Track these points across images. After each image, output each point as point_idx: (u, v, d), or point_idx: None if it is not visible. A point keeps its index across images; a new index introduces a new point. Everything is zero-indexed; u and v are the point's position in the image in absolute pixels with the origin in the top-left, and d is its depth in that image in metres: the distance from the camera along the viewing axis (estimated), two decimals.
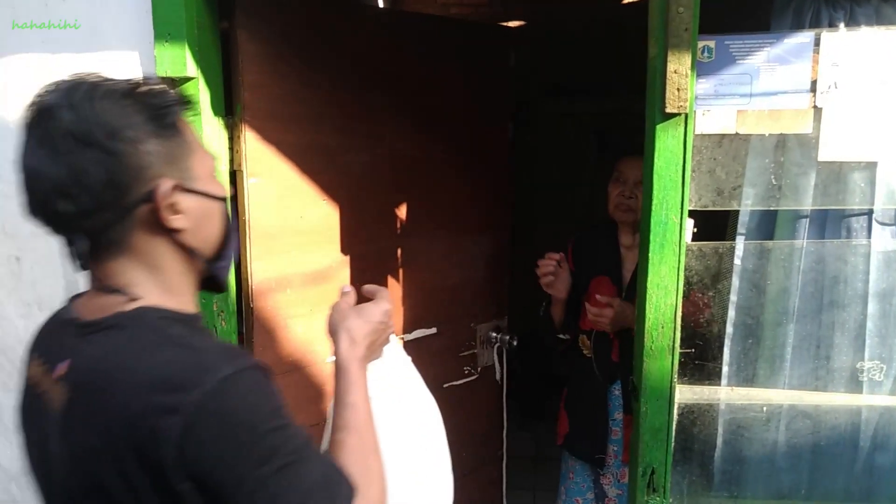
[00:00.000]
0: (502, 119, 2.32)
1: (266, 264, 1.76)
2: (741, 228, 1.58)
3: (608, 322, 1.97)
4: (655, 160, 1.47)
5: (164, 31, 1.50)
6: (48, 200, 0.79)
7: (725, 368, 1.61)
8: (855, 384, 1.57)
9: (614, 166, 2.07)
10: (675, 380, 1.54)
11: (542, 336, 2.29)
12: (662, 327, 1.53)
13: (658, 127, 1.46)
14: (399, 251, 2.12)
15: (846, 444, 1.59)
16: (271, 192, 1.75)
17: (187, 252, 0.86)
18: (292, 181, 1.79)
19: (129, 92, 0.81)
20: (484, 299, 2.33)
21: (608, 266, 2.10)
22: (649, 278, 1.51)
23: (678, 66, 1.41)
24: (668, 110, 1.43)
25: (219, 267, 0.92)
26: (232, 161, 1.71)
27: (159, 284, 0.86)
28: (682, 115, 1.45)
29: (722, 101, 1.47)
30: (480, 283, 2.31)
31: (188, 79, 1.55)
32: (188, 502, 0.74)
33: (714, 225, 1.64)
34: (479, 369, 2.34)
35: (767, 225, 1.60)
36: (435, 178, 2.13)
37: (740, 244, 1.58)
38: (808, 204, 1.51)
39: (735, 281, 1.58)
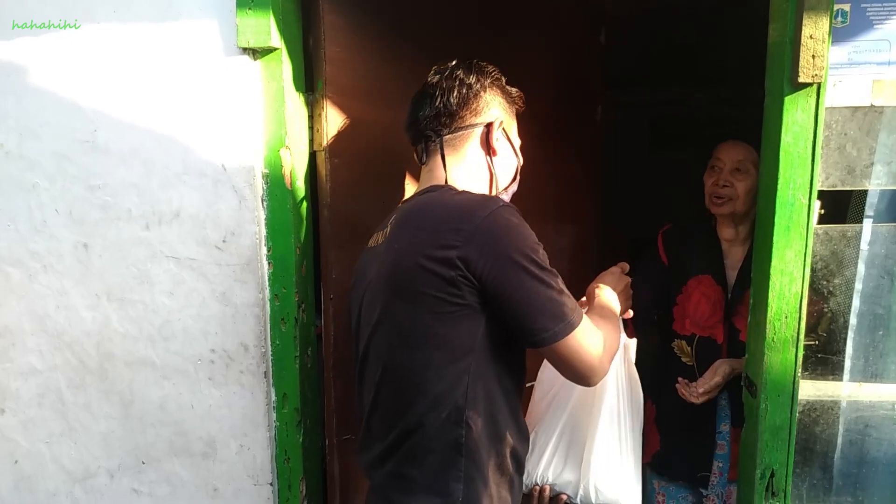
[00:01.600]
0: (592, 100, 2.20)
1: (345, 254, 1.64)
2: (868, 210, 1.46)
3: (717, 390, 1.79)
4: (783, 136, 1.35)
5: None
6: (421, 106, 1.30)
7: (849, 363, 1.49)
8: None
9: (711, 154, 1.90)
10: (799, 374, 1.42)
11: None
12: (786, 317, 1.41)
13: (787, 99, 1.34)
14: None
15: None
16: (353, 174, 1.63)
17: (490, 171, 1.30)
18: (375, 163, 1.68)
19: (495, 73, 1.33)
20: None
21: (710, 263, 1.90)
22: (773, 265, 1.39)
23: (814, 30, 1.29)
24: (800, 79, 1.31)
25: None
26: (312, 141, 1.60)
27: (466, 181, 1.27)
28: (815, 86, 1.33)
29: (856, 69, 1.35)
30: (565, 276, 2.17)
31: (271, 49, 1.45)
32: (462, 289, 1.10)
33: (835, 207, 1.51)
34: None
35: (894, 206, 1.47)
36: (540, 163, 2.00)
37: (868, 227, 1.45)
38: None
39: (861, 268, 1.46)
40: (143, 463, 1.63)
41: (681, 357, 1.91)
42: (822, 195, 1.41)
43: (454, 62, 1.31)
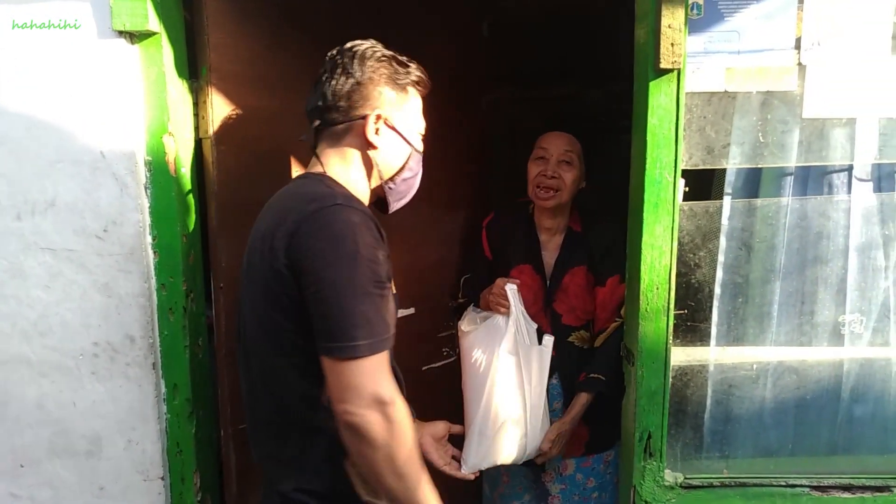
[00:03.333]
0: (475, 93, 2.26)
1: (234, 241, 1.62)
2: (727, 188, 1.59)
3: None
4: (649, 118, 1.45)
5: None
6: (312, 94, 1.30)
7: (714, 329, 1.62)
8: (837, 337, 1.61)
9: (535, 143, 1.91)
10: (671, 341, 1.53)
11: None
12: (657, 288, 1.51)
13: (652, 84, 1.44)
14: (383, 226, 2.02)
15: (829, 397, 1.63)
16: (239, 160, 1.62)
17: (371, 163, 1.27)
18: (262, 151, 1.67)
19: (388, 56, 1.29)
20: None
21: (529, 253, 1.93)
22: (644, 239, 1.49)
23: (672, 20, 1.40)
24: (662, 66, 1.41)
25: (388, 188, 1.31)
26: (197, 129, 1.57)
27: (343, 173, 1.25)
28: (676, 72, 1.44)
29: (711, 58, 1.47)
30: (457, 262, 2.23)
31: (150, 33, 1.42)
32: (286, 281, 1.09)
33: (699, 185, 1.64)
34: (457, 350, 2.26)
35: (752, 183, 1.61)
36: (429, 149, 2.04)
37: (727, 203, 1.58)
38: (792, 161, 1.53)
39: (722, 241, 1.59)
40: (22, 466, 1.55)
41: None
42: (687, 174, 1.53)
43: (337, 50, 1.28)
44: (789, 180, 1.57)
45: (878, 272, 1.59)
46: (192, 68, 1.55)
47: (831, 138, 1.52)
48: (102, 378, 1.52)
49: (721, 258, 1.60)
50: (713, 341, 1.62)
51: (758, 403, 1.64)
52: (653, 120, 1.46)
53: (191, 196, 1.55)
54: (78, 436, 1.54)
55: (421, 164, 1.34)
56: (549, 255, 1.92)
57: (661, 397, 1.55)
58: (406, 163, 1.31)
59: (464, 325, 1.89)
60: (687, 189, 1.52)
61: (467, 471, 1.73)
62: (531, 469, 1.96)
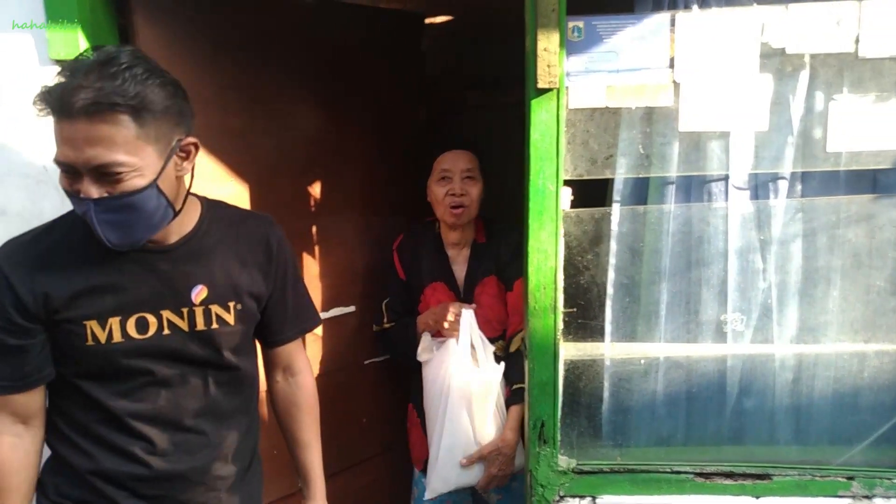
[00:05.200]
0: (412, 102, 2.41)
1: None
2: (616, 196, 1.71)
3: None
4: (532, 133, 1.59)
5: (55, 13, 1.54)
6: None
7: (609, 326, 1.74)
8: (720, 335, 1.72)
9: (433, 165, 2.00)
10: (559, 337, 1.66)
11: (394, 348, 2.18)
12: (544, 288, 1.65)
13: (533, 102, 1.57)
14: (314, 231, 2.18)
15: (714, 390, 1.74)
16: None
17: None
18: (197, 163, 1.84)
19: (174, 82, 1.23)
20: None
21: (440, 270, 2.03)
22: (530, 244, 1.63)
23: (547, 43, 1.53)
24: (539, 86, 1.54)
25: None
26: None
27: None
28: (554, 91, 1.56)
29: (592, 76, 1.60)
30: (375, 288, 2.30)
31: None
32: None
33: (595, 193, 1.76)
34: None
35: (641, 192, 1.73)
36: (347, 160, 2.20)
37: (616, 210, 1.71)
38: (673, 171, 1.65)
39: (613, 245, 1.71)
40: None
41: None
42: (582, 183, 1.66)
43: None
44: (672, 189, 1.69)
45: (757, 274, 1.69)
46: None
47: (708, 150, 1.63)
48: None
49: (612, 261, 1.72)
50: (605, 337, 1.74)
51: (648, 396, 1.76)
52: (535, 135, 1.59)
53: None
54: None
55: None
56: (460, 270, 2.04)
57: (551, 388, 1.69)
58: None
59: (421, 355, 1.99)
60: (573, 197, 1.65)
61: (430, 495, 1.89)
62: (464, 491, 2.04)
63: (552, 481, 1.72)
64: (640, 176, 1.67)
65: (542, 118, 1.58)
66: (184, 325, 1.32)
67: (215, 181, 1.89)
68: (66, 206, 1.64)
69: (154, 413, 1.32)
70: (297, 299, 1.53)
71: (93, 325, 1.25)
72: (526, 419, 1.74)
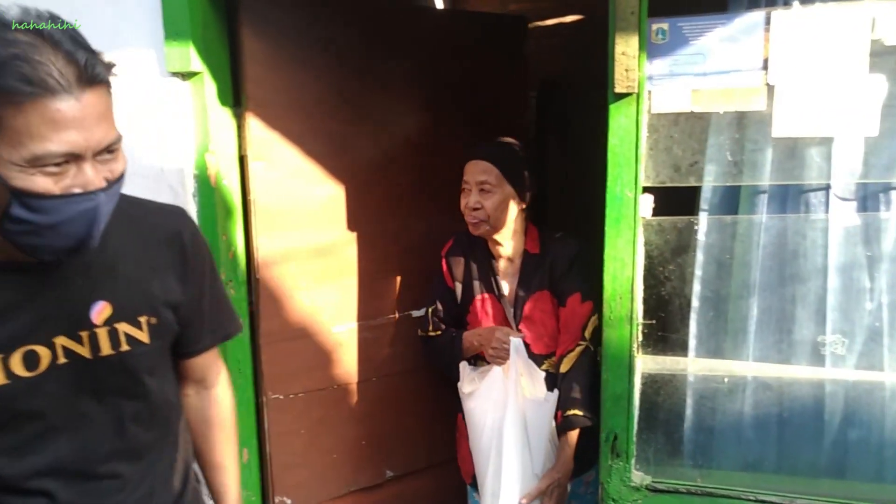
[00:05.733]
0: (518, 106, 2.42)
1: (270, 240, 1.95)
2: (703, 205, 1.63)
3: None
4: (610, 139, 1.55)
5: (172, 31, 1.71)
6: None
7: (692, 341, 1.66)
8: (817, 357, 1.59)
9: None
10: (635, 349, 1.61)
11: (438, 357, 2.08)
12: (620, 298, 1.60)
13: (612, 107, 1.54)
14: (405, 232, 2.24)
15: (810, 417, 1.61)
16: (275, 174, 1.94)
17: None
18: (296, 164, 1.98)
19: None
20: None
21: (487, 283, 1.95)
22: (606, 251, 1.59)
23: (626, 47, 1.48)
24: (617, 90, 1.50)
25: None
26: (240, 147, 1.91)
27: None
28: (634, 95, 1.52)
29: (676, 80, 1.53)
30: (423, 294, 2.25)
31: (194, 73, 1.76)
32: None
33: (682, 201, 1.68)
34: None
35: (731, 201, 1.63)
36: (444, 165, 2.24)
37: (703, 219, 1.62)
38: (765, 179, 1.54)
39: (699, 255, 1.63)
40: None
41: None
42: (669, 191, 1.59)
43: None
44: (764, 198, 1.58)
45: (863, 293, 1.54)
46: (237, 97, 1.89)
47: (806, 157, 1.51)
48: None
49: (698, 272, 1.64)
50: (688, 352, 1.66)
51: (734, 417, 1.66)
52: (613, 140, 1.55)
53: (232, 203, 1.89)
54: None
55: (45, 209, 0.91)
56: (509, 283, 1.94)
57: (625, 401, 1.64)
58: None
59: (464, 387, 1.91)
60: (654, 206, 1.59)
61: None
62: None
63: (624, 496, 1.67)
64: (729, 184, 1.58)
65: (620, 123, 1.54)
66: (85, 351, 1.07)
67: (313, 183, 2.01)
68: (177, 202, 1.83)
69: (55, 465, 1.08)
70: (214, 303, 1.29)
71: None
72: (599, 431, 1.70)
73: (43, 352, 1.03)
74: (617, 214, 1.57)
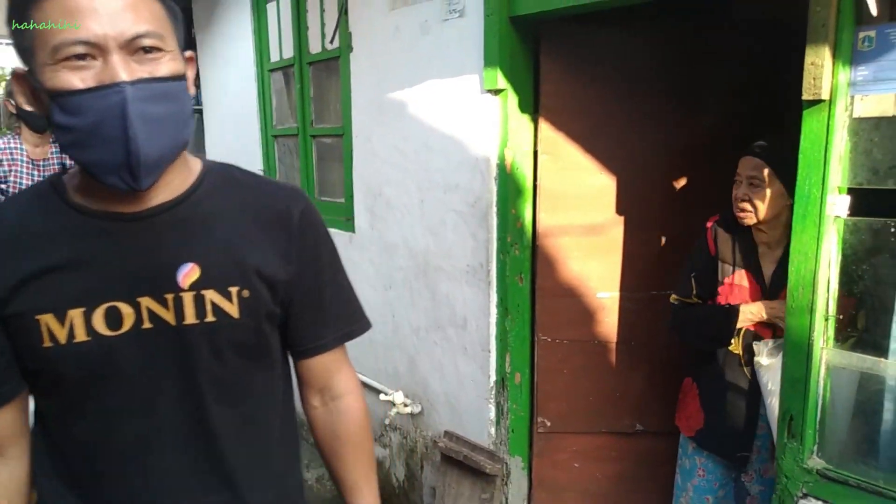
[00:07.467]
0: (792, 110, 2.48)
1: (550, 216, 2.53)
2: None
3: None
4: (802, 142, 1.70)
5: (487, 60, 2.41)
6: None
7: (892, 344, 1.67)
8: None
9: None
10: (815, 337, 1.72)
11: (695, 327, 2.18)
12: (802, 288, 1.73)
13: (805, 112, 1.68)
14: (668, 223, 2.57)
15: None
16: (558, 165, 2.50)
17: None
18: (575, 158, 2.50)
19: None
20: None
21: (748, 262, 2.06)
22: (792, 245, 1.74)
23: (815, 58, 1.63)
24: (804, 97, 1.65)
25: None
26: (534, 144, 2.53)
27: None
28: (824, 102, 1.64)
29: (881, 85, 1.60)
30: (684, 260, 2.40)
31: (500, 90, 2.43)
32: None
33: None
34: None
35: None
36: (713, 167, 2.47)
37: None
38: None
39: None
40: (438, 328, 2.85)
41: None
42: (879, 193, 1.66)
43: None
44: None
45: None
46: (536, 106, 2.50)
47: None
48: (471, 285, 2.66)
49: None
50: (887, 355, 1.68)
51: None
52: (805, 143, 1.69)
53: (524, 185, 2.52)
54: (459, 316, 2.73)
55: (86, 109, 0.87)
56: (768, 267, 2.07)
57: (802, 386, 1.76)
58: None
59: (763, 359, 2.03)
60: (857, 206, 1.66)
61: None
62: (730, 468, 2.16)
63: (797, 476, 1.79)
64: None
65: (811, 128, 1.67)
66: (170, 316, 0.99)
67: (589, 172, 2.51)
68: (484, 184, 2.55)
69: (118, 443, 1.02)
70: (337, 297, 1.18)
71: (48, 319, 0.94)
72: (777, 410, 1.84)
73: (126, 310, 0.97)
74: (804, 212, 1.71)
